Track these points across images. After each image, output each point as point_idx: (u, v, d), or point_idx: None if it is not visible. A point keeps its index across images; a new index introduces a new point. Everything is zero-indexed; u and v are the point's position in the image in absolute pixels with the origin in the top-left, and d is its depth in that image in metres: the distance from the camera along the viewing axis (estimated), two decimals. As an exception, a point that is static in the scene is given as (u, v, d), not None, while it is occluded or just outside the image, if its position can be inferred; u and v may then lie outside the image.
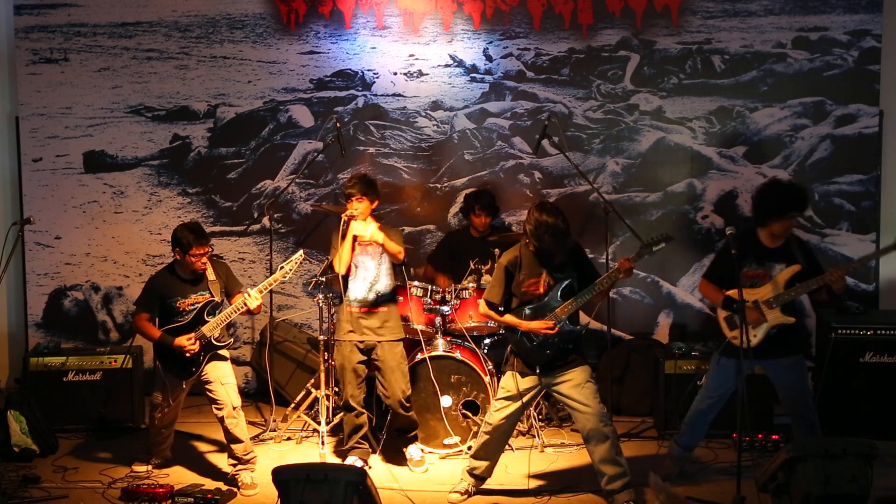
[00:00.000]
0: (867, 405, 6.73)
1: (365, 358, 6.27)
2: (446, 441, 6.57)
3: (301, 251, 6.12)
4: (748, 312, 5.73)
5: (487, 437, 5.84)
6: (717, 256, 6.09)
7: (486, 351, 6.88)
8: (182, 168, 8.02)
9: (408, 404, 6.32)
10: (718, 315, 5.91)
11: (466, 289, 6.82)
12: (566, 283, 5.69)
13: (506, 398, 5.76)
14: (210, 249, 6.09)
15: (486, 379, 6.52)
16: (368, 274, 6.22)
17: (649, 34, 7.76)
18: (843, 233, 7.63)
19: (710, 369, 6.02)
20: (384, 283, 6.25)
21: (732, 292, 5.76)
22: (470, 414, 6.55)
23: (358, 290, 6.23)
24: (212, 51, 7.95)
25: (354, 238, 6.17)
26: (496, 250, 6.96)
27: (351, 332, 6.24)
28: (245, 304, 5.98)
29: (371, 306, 6.23)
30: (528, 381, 5.70)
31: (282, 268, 6.00)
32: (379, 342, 6.24)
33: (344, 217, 6.13)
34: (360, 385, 6.30)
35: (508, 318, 5.75)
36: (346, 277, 6.21)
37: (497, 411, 5.79)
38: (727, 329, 5.85)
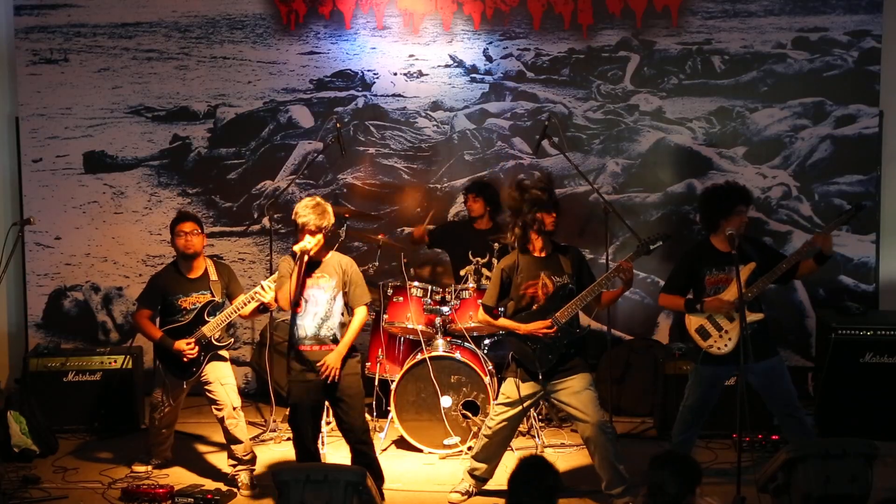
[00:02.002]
0: (867, 405, 6.72)
1: (321, 396, 5.68)
2: (446, 441, 6.57)
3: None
4: (714, 303, 5.78)
5: (487, 440, 5.83)
6: (675, 268, 6.06)
7: (486, 351, 6.88)
8: (182, 168, 8.02)
9: (364, 437, 5.73)
10: (689, 328, 5.89)
11: (466, 289, 6.82)
12: (565, 285, 5.68)
13: (506, 404, 5.74)
14: (198, 229, 6.09)
15: (486, 379, 6.52)
16: (319, 309, 5.60)
17: (649, 34, 7.76)
18: (843, 233, 7.61)
19: (692, 380, 6.02)
20: (336, 319, 5.63)
21: (710, 301, 5.82)
22: (470, 414, 6.55)
23: (308, 326, 5.61)
24: (212, 51, 7.95)
25: (306, 274, 5.59)
26: (495, 245, 6.97)
27: (304, 370, 5.62)
28: (253, 298, 5.90)
29: (323, 343, 5.62)
30: (529, 388, 5.68)
31: None
32: (337, 379, 5.59)
33: (297, 250, 5.53)
34: (318, 425, 5.80)
35: (505, 321, 5.74)
36: (294, 314, 5.63)
37: (497, 416, 5.77)
38: (701, 340, 5.83)
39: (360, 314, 5.70)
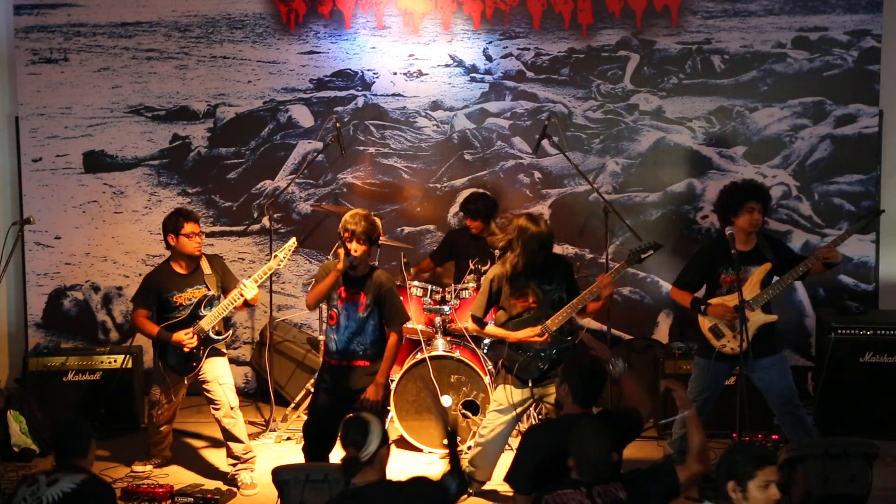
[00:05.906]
0: (867, 405, 6.73)
1: (339, 416, 5.42)
2: (446, 441, 6.56)
3: (294, 239, 6.11)
4: (719, 309, 5.78)
5: (482, 448, 5.78)
6: (690, 262, 6.05)
7: (485, 351, 6.87)
8: (182, 168, 8.02)
9: None
10: (702, 326, 5.89)
11: (466, 289, 6.82)
12: (555, 294, 5.67)
13: (499, 411, 5.71)
14: (201, 231, 6.12)
15: (486, 379, 6.52)
16: (351, 324, 5.57)
17: (649, 34, 7.76)
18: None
19: (695, 374, 6.01)
20: (369, 336, 5.59)
21: (715, 300, 5.81)
22: (470, 414, 6.55)
23: (338, 340, 5.60)
24: (212, 51, 7.95)
25: (344, 288, 5.55)
26: (496, 251, 6.96)
27: (329, 384, 5.63)
28: (242, 295, 5.99)
29: (351, 358, 5.58)
30: (520, 394, 5.67)
31: (275, 256, 6.04)
32: (359, 401, 5.50)
33: (339, 266, 5.45)
34: (331, 442, 5.52)
35: (495, 330, 5.72)
36: (327, 326, 5.67)
37: (490, 423, 5.74)
38: (714, 340, 5.83)
39: (392, 339, 5.61)
